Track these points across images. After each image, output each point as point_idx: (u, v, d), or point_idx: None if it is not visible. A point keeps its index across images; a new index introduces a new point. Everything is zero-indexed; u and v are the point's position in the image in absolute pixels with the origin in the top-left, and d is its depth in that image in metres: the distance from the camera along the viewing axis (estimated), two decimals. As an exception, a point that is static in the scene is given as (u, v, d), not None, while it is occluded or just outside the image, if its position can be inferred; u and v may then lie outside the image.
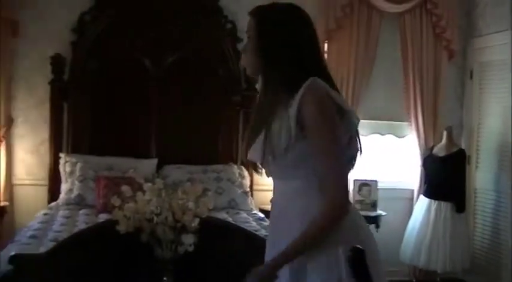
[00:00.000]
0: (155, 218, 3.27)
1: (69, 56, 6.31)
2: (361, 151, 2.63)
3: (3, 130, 6.29)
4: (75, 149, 6.29)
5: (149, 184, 3.39)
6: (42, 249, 3.92)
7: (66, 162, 6.15)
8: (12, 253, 3.63)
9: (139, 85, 6.33)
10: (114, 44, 6.30)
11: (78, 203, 5.84)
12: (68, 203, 5.88)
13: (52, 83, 6.27)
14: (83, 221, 5.15)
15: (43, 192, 6.32)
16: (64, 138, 6.35)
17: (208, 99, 6.37)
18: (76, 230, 4.56)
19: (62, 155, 6.22)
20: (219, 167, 6.17)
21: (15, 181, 6.46)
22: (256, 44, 2.49)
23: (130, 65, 6.32)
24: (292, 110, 2.34)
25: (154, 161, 6.18)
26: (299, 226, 2.37)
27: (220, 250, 3.50)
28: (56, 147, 6.30)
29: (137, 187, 3.43)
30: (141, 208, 3.30)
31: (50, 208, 5.85)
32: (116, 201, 3.39)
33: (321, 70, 2.47)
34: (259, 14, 2.53)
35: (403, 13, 6.90)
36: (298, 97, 2.34)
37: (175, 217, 3.26)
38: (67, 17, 6.38)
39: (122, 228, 3.27)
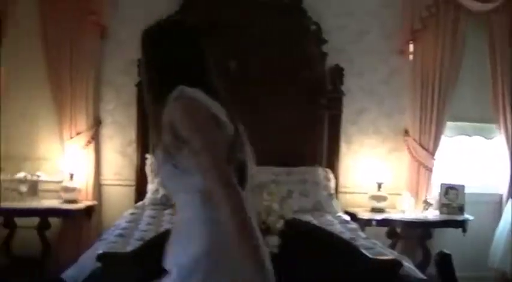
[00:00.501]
0: (240, 219, 3.27)
1: (155, 58, 6.40)
2: (244, 162, 2.58)
3: (92, 131, 6.44)
4: (160, 150, 6.37)
5: (235, 185, 3.40)
6: (129, 248, 3.99)
7: (152, 162, 6.25)
8: (100, 251, 3.70)
9: (226, 87, 6.35)
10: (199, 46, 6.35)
11: (164, 203, 5.92)
12: (154, 203, 5.99)
13: (138, 85, 6.38)
14: (168, 221, 5.22)
15: (130, 192, 6.47)
16: (150, 139, 6.44)
17: (293, 102, 6.35)
18: (162, 229, 4.61)
19: (148, 156, 6.33)
20: (304, 169, 6.14)
21: (103, 181, 6.63)
22: (143, 63, 2.61)
23: (216, 68, 6.35)
24: (164, 121, 2.37)
25: (240, 163, 6.19)
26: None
27: (304, 252, 3.49)
28: (143, 148, 6.41)
29: (223, 188, 3.43)
30: (226, 209, 3.31)
31: (137, 208, 5.96)
32: (200, 201, 3.41)
33: (204, 86, 2.54)
34: (142, 35, 2.69)
35: (491, 12, 6.72)
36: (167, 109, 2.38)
37: (260, 218, 3.26)
38: (153, 20, 6.45)
39: (207, 228, 3.28)
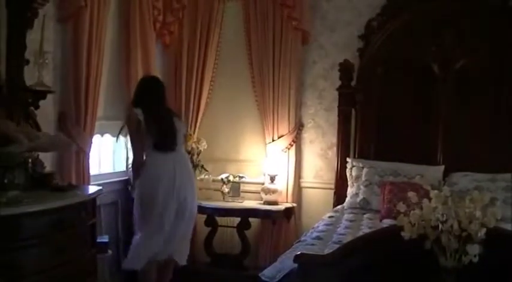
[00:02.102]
0: (440, 226, 3.17)
1: (356, 62, 6.39)
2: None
3: (293, 134, 6.55)
4: (361, 154, 6.36)
5: (436, 191, 3.30)
6: (326, 251, 4.00)
7: (352, 166, 6.24)
8: (298, 252, 3.74)
9: (426, 90, 6.21)
10: (401, 50, 6.26)
11: (363, 207, 5.91)
12: (352, 207, 5.98)
13: (340, 89, 6.40)
14: (366, 225, 5.19)
15: (329, 195, 6.48)
16: (351, 143, 6.44)
17: (500, 106, 6.05)
18: (360, 233, 4.60)
19: (348, 159, 6.33)
20: (509, 176, 5.83)
21: (302, 184, 6.71)
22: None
23: (418, 71, 6.23)
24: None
25: (440, 168, 6.02)
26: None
27: (507, 263, 3.33)
28: (343, 151, 6.42)
29: (423, 194, 3.36)
30: (426, 215, 3.22)
31: (336, 211, 5.97)
32: (401, 207, 3.35)
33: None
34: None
35: None
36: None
37: (461, 226, 3.15)
38: (354, 24, 6.49)
39: (406, 234, 3.22)
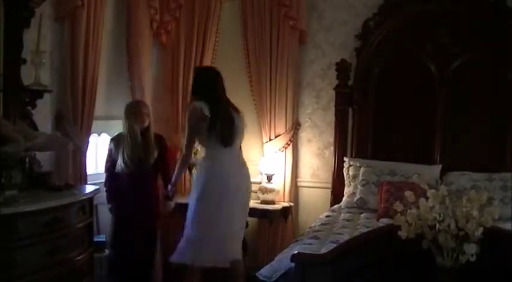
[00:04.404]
0: (437, 225, 3.18)
1: (353, 62, 6.39)
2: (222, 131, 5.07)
3: (290, 134, 6.54)
4: (358, 153, 6.36)
5: (433, 190, 3.30)
6: (323, 250, 4.00)
7: (350, 166, 6.24)
8: (295, 251, 3.74)
9: (424, 90, 6.20)
10: (398, 49, 6.26)
11: (360, 206, 5.90)
12: (350, 206, 5.97)
13: (337, 88, 6.40)
14: (363, 224, 5.19)
15: (326, 195, 6.49)
16: (348, 142, 6.44)
17: (496, 105, 6.05)
18: (357, 233, 4.60)
19: (346, 159, 6.33)
20: (506, 175, 5.83)
21: (299, 183, 6.70)
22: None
23: (415, 70, 6.22)
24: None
25: (438, 167, 6.02)
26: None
27: (504, 262, 3.33)
28: (340, 151, 6.41)
29: (420, 193, 3.36)
30: (423, 214, 3.23)
31: (333, 210, 5.97)
32: (398, 206, 3.35)
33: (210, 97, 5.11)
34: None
35: None
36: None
37: (458, 225, 3.15)
38: (351, 24, 6.48)
39: (403, 233, 3.23)
